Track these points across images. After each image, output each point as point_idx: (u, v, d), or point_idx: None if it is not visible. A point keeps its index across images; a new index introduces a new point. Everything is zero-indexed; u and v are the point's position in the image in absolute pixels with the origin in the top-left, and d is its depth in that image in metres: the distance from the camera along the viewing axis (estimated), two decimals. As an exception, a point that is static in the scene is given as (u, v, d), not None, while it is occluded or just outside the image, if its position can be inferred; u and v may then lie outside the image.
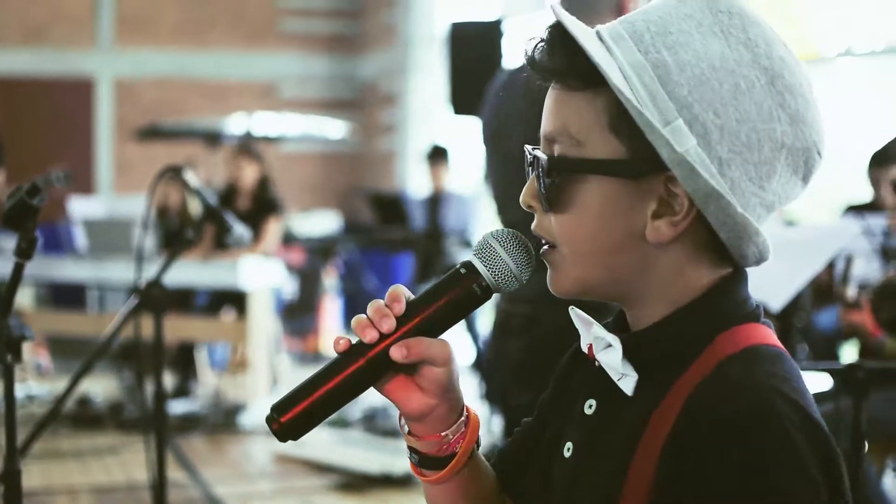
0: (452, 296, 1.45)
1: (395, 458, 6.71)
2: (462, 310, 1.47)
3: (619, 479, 1.36)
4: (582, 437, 1.48)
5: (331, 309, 11.46)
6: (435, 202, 9.28)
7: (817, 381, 4.72)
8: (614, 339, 1.41)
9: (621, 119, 1.33)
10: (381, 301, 1.44)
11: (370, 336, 1.42)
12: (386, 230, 9.04)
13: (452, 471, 1.51)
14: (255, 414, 8.31)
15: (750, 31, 1.37)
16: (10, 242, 11.03)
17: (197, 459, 7.20)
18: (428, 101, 14.56)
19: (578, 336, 1.51)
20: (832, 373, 3.58)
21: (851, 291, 5.57)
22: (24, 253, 2.82)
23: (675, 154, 1.30)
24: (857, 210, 7.41)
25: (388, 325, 1.42)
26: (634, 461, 1.34)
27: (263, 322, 8.60)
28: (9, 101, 14.76)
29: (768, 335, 1.39)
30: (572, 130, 1.39)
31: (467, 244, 8.12)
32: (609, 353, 1.41)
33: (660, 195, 1.35)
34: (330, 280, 11.17)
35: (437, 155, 9.46)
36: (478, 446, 1.55)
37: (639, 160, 1.34)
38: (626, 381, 1.40)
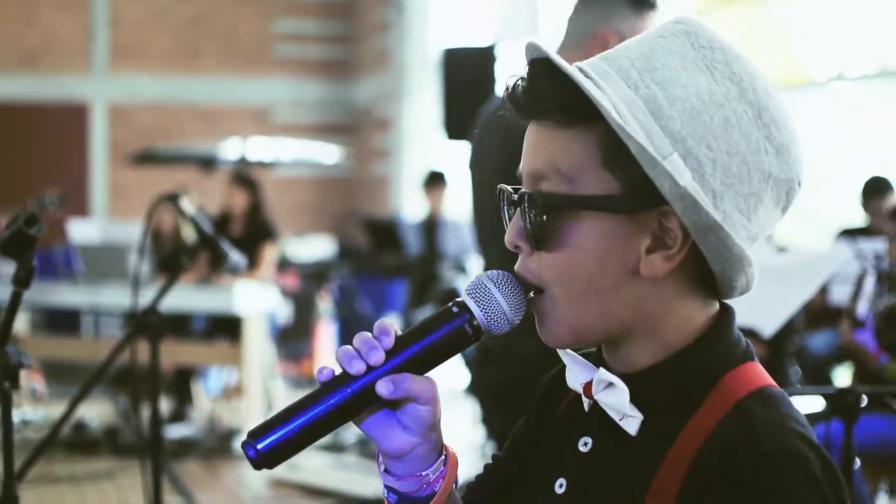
0: (443, 334, 1.41)
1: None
2: (451, 349, 1.42)
3: None
4: (578, 475, 1.46)
5: (325, 334, 11.46)
6: (430, 227, 9.31)
7: (808, 404, 4.74)
8: (618, 381, 1.39)
9: (615, 154, 1.33)
10: (369, 333, 1.40)
11: (356, 368, 1.37)
12: (380, 255, 9.07)
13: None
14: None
15: (733, 66, 1.38)
16: (6, 268, 11.05)
17: (192, 484, 7.19)
18: (422, 126, 14.60)
19: (555, 364, 1.51)
20: (825, 397, 3.60)
21: (862, 309, 5.58)
22: (22, 282, 2.83)
23: (677, 188, 1.30)
24: (850, 234, 7.45)
25: (377, 358, 1.37)
26: (647, 502, 1.34)
27: (259, 347, 8.61)
28: (3, 125, 14.79)
29: (766, 374, 1.40)
30: (562, 167, 1.37)
31: (462, 270, 8.14)
32: (611, 394, 1.39)
33: (653, 230, 1.35)
34: (324, 305, 11.18)
35: (434, 180, 9.49)
36: (455, 485, 1.51)
37: (633, 195, 1.34)
38: (630, 422, 1.38)
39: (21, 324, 10.58)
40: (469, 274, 7.88)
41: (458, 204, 10.67)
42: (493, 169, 3.38)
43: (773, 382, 1.40)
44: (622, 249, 1.36)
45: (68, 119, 15.70)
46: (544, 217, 1.37)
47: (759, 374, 1.39)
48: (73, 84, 15.77)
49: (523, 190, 1.41)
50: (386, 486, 1.48)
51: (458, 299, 1.43)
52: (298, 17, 16.66)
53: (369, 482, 6.84)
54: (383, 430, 1.41)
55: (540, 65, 1.38)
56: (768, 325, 4.17)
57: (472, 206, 3.68)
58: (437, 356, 1.42)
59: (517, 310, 1.42)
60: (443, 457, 1.46)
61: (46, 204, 8.80)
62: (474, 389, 3.67)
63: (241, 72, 16.47)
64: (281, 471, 7.39)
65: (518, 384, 3.15)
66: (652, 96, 1.34)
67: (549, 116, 1.39)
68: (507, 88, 1.42)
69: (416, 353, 1.40)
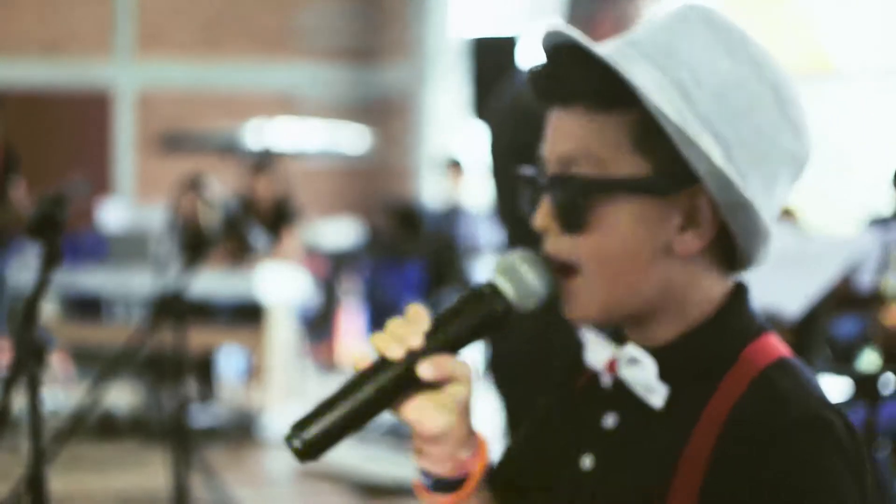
0: (474, 315, 1.43)
1: (416, 467, 6.73)
2: (483, 330, 1.44)
3: (661, 494, 1.37)
4: (605, 451, 1.48)
5: (347, 319, 11.49)
6: (453, 214, 9.31)
7: (836, 387, 4.75)
8: (645, 356, 1.42)
9: (648, 137, 1.37)
10: (404, 318, 1.41)
11: (396, 353, 1.38)
12: (404, 241, 9.09)
13: (468, 492, 1.47)
14: (275, 423, 8.34)
15: (750, 48, 1.41)
16: (30, 253, 11.10)
17: (217, 469, 7.23)
18: (444, 113, 14.59)
19: (554, 340, 1.53)
20: (851, 379, 3.62)
21: None
22: (49, 264, 2.85)
23: (712, 167, 1.34)
24: (881, 223, 7.42)
25: (416, 341, 1.38)
26: (678, 476, 1.36)
27: (283, 331, 8.63)
28: (28, 113, 14.82)
29: (784, 345, 1.44)
30: (594, 151, 1.40)
31: (480, 256, 8.14)
32: (637, 370, 1.43)
33: (685, 209, 1.39)
34: (348, 290, 11.20)
35: (453, 167, 9.49)
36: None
37: (666, 177, 1.38)
38: (656, 396, 1.42)
39: (47, 309, 10.63)
40: (487, 259, 7.88)
41: (478, 190, 10.69)
42: (509, 150, 3.40)
43: (791, 353, 1.43)
44: (654, 229, 1.40)
45: (92, 106, 15.74)
46: (577, 200, 1.40)
47: (777, 345, 1.43)
48: (96, 71, 15.81)
49: (554, 173, 1.43)
50: (422, 470, 1.49)
51: (488, 280, 1.45)
52: (322, 4, 16.66)
53: (395, 467, 6.86)
54: (422, 413, 1.40)
55: (566, 50, 1.40)
56: (792, 308, 4.19)
57: (494, 187, 3.71)
58: (469, 337, 1.44)
59: (545, 289, 1.44)
60: (475, 437, 1.47)
61: (72, 190, 8.85)
62: (491, 360, 3.68)
63: (265, 58, 16.47)
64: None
65: (515, 359, 3.18)
66: (679, 79, 1.37)
67: (580, 101, 1.40)
68: (532, 74, 1.44)
69: (451, 335, 1.42)
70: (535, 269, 1.43)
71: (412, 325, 1.40)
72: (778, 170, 1.41)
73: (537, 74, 1.44)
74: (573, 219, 1.41)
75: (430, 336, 1.40)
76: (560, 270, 1.44)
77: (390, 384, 1.38)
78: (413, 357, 1.38)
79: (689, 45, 1.39)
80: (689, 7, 1.43)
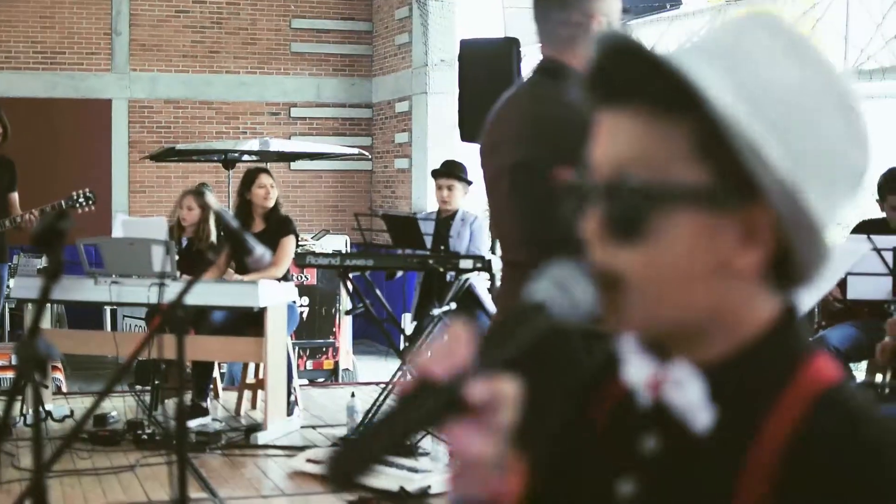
0: (523, 334, 1.33)
1: (411, 475, 6.76)
2: (531, 348, 1.35)
3: None
4: (646, 476, 1.40)
5: (344, 328, 11.51)
6: (448, 223, 9.32)
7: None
8: (695, 378, 1.35)
9: (710, 144, 1.28)
10: (449, 339, 1.32)
11: (443, 374, 1.29)
12: (400, 250, 9.09)
13: None
14: (272, 432, 8.36)
15: (816, 55, 1.34)
16: (28, 264, 11.12)
17: (213, 477, 7.25)
18: (442, 123, 14.63)
19: (561, 345, 1.46)
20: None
21: None
22: (51, 275, 2.87)
23: (777, 179, 1.26)
24: (868, 227, 7.44)
25: (462, 363, 1.30)
26: (737, 500, 1.28)
27: (280, 341, 8.65)
28: (25, 123, 14.86)
29: (834, 366, 1.36)
30: (653, 155, 1.31)
31: (481, 265, 8.15)
32: (681, 390, 1.35)
33: (745, 222, 1.30)
34: (343, 300, 11.21)
35: (452, 175, 9.49)
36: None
37: (728, 187, 1.29)
38: (702, 418, 1.34)
39: (44, 318, 10.65)
40: (483, 269, 7.89)
41: (476, 199, 10.68)
42: (512, 148, 3.41)
43: (842, 375, 1.36)
44: (712, 242, 1.30)
45: (90, 117, 15.77)
46: (634, 208, 1.31)
47: (831, 367, 1.35)
48: (93, 82, 15.85)
49: (607, 179, 1.34)
50: (453, 490, 1.39)
51: (535, 295, 1.36)
52: (318, 14, 16.70)
53: (390, 474, 6.87)
54: (468, 437, 1.31)
55: (624, 50, 1.32)
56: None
57: (490, 188, 3.70)
58: (517, 356, 1.35)
59: (593, 303, 1.35)
60: (510, 465, 1.39)
61: (76, 202, 8.89)
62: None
63: (260, 69, 16.52)
64: (302, 464, 7.45)
65: (521, 362, 3.20)
66: (744, 84, 1.29)
67: (638, 102, 1.32)
68: (587, 75, 1.36)
69: (499, 356, 1.33)
70: (583, 283, 1.34)
71: (458, 347, 1.31)
72: (837, 182, 1.33)
73: (592, 75, 1.37)
74: (628, 228, 1.31)
75: (478, 357, 1.31)
76: (606, 282, 1.34)
77: (436, 409, 1.30)
78: (460, 380, 1.29)
79: (754, 49, 1.32)
80: (754, 14, 1.36)
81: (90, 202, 8.95)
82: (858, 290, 7.04)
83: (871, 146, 1.35)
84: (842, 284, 7.06)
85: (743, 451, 1.29)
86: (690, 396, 1.34)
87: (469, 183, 9.42)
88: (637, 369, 1.41)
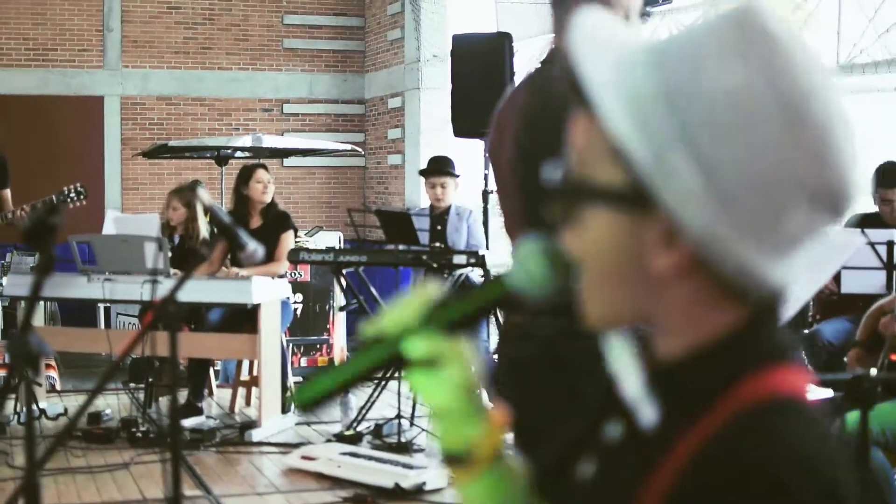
0: (474, 301, 1.51)
1: (406, 472, 6.75)
2: (480, 314, 1.53)
3: None
4: (601, 462, 1.45)
5: (338, 325, 11.49)
6: (442, 218, 9.32)
7: (821, 392, 4.76)
8: (636, 370, 1.38)
9: (619, 151, 1.27)
10: (402, 300, 1.51)
11: (392, 327, 1.49)
12: (394, 246, 9.08)
13: (478, 466, 1.55)
14: (266, 429, 8.35)
15: (774, 59, 1.26)
16: (21, 261, 11.09)
17: (207, 474, 7.24)
18: (435, 118, 14.63)
19: (575, 346, 1.51)
20: (839, 384, 3.62)
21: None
22: (43, 271, 2.85)
23: (673, 190, 1.24)
24: (861, 221, 7.43)
25: (412, 321, 1.49)
26: (641, 502, 1.28)
27: (274, 338, 8.64)
28: (17, 120, 14.85)
29: (793, 380, 1.30)
30: (583, 152, 1.35)
31: (475, 260, 8.14)
32: (628, 383, 1.39)
33: (662, 228, 1.27)
34: (337, 296, 11.20)
35: (442, 173, 9.47)
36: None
37: (639, 192, 1.26)
38: (645, 414, 1.35)
39: (36, 315, 10.63)
40: (477, 264, 7.89)
41: (469, 194, 10.68)
42: (514, 145, 3.41)
43: (801, 388, 1.30)
44: (629, 243, 1.30)
45: (82, 114, 15.76)
46: (567, 198, 1.37)
47: (786, 380, 1.29)
48: (85, 79, 15.83)
49: (557, 167, 1.41)
50: (439, 445, 1.57)
51: (498, 269, 1.49)
52: (310, 10, 16.69)
53: (384, 471, 6.87)
54: (420, 388, 1.50)
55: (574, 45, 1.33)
56: (787, 311, 4.19)
57: (498, 174, 3.70)
58: (466, 320, 1.51)
59: (547, 277, 1.48)
60: (486, 419, 1.54)
61: (67, 197, 8.86)
62: (499, 364, 3.70)
63: (253, 65, 16.51)
64: (296, 461, 7.44)
65: (534, 363, 3.19)
66: (676, 85, 1.26)
67: (578, 100, 1.34)
68: (567, 75, 1.37)
69: (448, 318, 1.49)
70: (539, 260, 1.47)
71: (412, 306, 1.49)
72: (790, 198, 1.25)
73: (568, 76, 1.37)
74: (566, 216, 1.37)
75: (428, 317, 1.48)
76: (570, 262, 1.41)
77: (382, 361, 1.50)
78: (406, 335, 1.48)
79: (707, 49, 1.27)
80: (740, 8, 1.30)
81: (81, 197, 8.91)
82: (852, 283, 7.05)
83: (842, 160, 1.26)
84: (836, 278, 7.07)
85: (663, 453, 1.28)
86: (633, 387, 1.37)
87: (458, 177, 9.42)
88: (613, 360, 1.43)
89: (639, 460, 1.33)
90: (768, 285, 1.27)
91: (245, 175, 9.28)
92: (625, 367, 1.41)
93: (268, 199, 9.20)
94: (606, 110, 1.26)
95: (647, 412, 1.34)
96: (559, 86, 1.46)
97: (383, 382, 8.42)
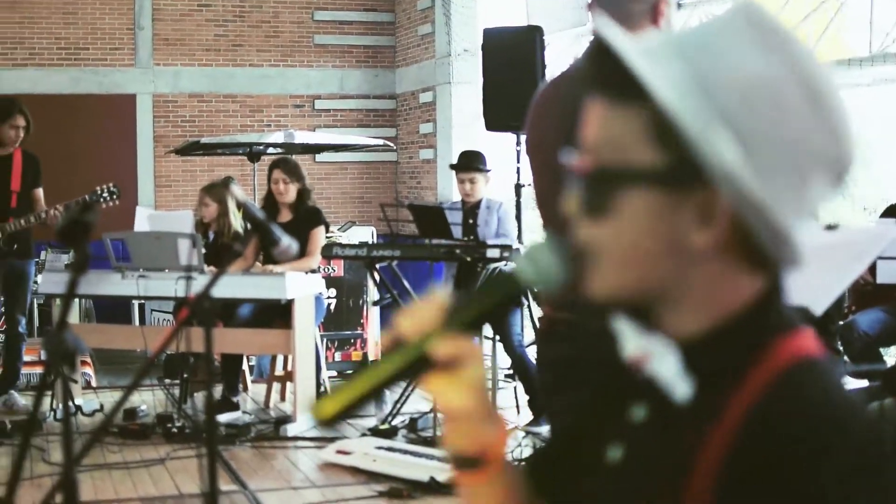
0: (491, 298, 1.51)
1: (441, 465, 6.75)
2: (498, 311, 1.52)
3: (677, 492, 1.36)
4: (630, 445, 1.49)
5: (372, 319, 11.51)
6: (474, 211, 9.31)
7: (856, 382, 4.74)
8: (670, 349, 1.42)
9: (665, 130, 1.35)
10: (422, 303, 1.50)
11: (411, 332, 1.47)
12: (427, 240, 9.09)
13: (491, 471, 1.55)
14: (301, 424, 8.37)
15: (789, 48, 1.39)
16: (56, 259, 11.16)
17: (243, 469, 7.26)
18: (466, 112, 14.62)
19: (613, 337, 1.52)
20: (877, 374, 3.61)
21: None
22: (78, 269, 2.86)
23: (721, 164, 1.32)
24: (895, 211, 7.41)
25: (432, 323, 1.47)
26: (694, 474, 1.34)
27: (308, 333, 8.65)
28: (49, 120, 14.92)
29: (814, 344, 1.41)
30: (614, 140, 1.40)
31: (507, 254, 8.14)
32: (661, 363, 1.43)
33: (699, 204, 1.36)
34: (370, 291, 11.21)
35: (472, 168, 9.46)
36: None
37: (680, 170, 1.35)
38: (679, 390, 1.41)
39: (71, 313, 10.68)
40: (510, 257, 7.89)
41: (501, 188, 10.66)
42: (555, 139, 3.41)
43: (820, 351, 1.40)
44: (668, 222, 1.38)
45: (114, 112, 15.82)
46: (596, 187, 1.41)
47: (808, 343, 1.40)
48: (117, 77, 15.89)
49: (575, 162, 1.45)
50: (449, 450, 1.56)
51: (504, 265, 1.49)
52: (340, 6, 16.71)
53: (419, 465, 6.88)
54: (439, 390, 1.49)
55: (602, 41, 1.41)
56: (818, 304, 4.15)
57: (539, 171, 3.71)
58: (484, 318, 1.51)
59: (559, 273, 1.48)
60: (496, 423, 1.54)
61: (100, 197, 8.89)
62: (538, 363, 3.73)
63: (283, 62, 16.53)
64: (332, 456, 7.45)
65: (580, 362, 3.18)
66: (705, 72, 1.36)
67: (606, 92, 1.42)
68: (573, 63, 1.45)
69: (466, 317, 1.49)
70: (553, 254, 1.47)
71: (430, 308, 1.48)
72: (808, 170, 1.38)
73: (584, 68, 1.48)
74: (591, 206, 1.42)
75: (447, 318, 1.47)
76: (582, 256, 1.45)
77: (406, 364, 1.48)
78: (428, 338, 1.46)
79: (725, 40, 1.38)
80: (741, 4, 1.43)
81: (114, 196, 8.94)
82: (888, 274, 7.02)
83: (848, 134, 1.40)
84: (871, 269, 7.04)
85: (708, 424, 1.35)
86: (668, 367, 1.42)
87: (488, 171, 9.41)
88: (629, 344, 1.48)
89: (676, 436, 1.40)
90: (795, 252, 1.38)
91: (268, 173, 9.33)
92: (651, 347, 1.45)
93: (286, 198, 9.19)
94: (660, 91, 1.33)
95: (682, 388, 1.41)
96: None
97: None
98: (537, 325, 7.31)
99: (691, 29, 1.43)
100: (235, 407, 8.99)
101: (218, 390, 8.85)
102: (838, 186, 1.43)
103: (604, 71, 1.41)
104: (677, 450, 1.38)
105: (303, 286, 8.55)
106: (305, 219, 9.12)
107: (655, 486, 1.40)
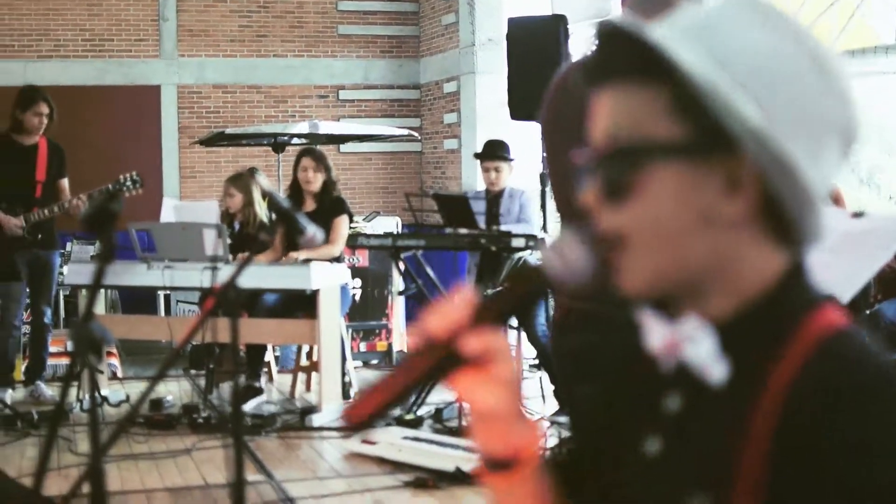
0: (517, 294, 1.48)
1: (466, 455, 6.75)
2: (524, 306, 1.50)
3: (728, 474, 1.35)
4: (668, 436, 1.47)
5: (397, 309, 11.51)
6: (497, 200, 9.30)
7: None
8: (705, 332, 1.41)
9: (686, 103, 1.37)
10: (450, 300, 1.46)
11: (440, 331, 1.43)
12: (451, 230, 9.08)
13: (522, 472, 1.52)
14: (326, 414, 8.38)
15: (791, 25, 1.42)
16: (82, 251, 11.19)
17: (269, 459, 7.27)
18: (490, 102, 14.60)
19: (634, 331, 1.51)
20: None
21: None
22: (104, 258, 2.86)
23: (749, 127, 1.34)
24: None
25: (461, 320, 1.43)
26: (746, 448, 1.34)
27: (334, 323, 8.65)
28: (75, 111, 14.96)
29: (844, 316, 1.41)
30: (634, 120, 1.41)
31: (532, 243, 8.13)
32: (695, 345, 1.42)
33: (726, 173, 1.37)
34: (395, 281, 11.21)
35: (496, 157, 9.46)
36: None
37: (705, 140, 1.37)
38: (716, 371, 1.40)
39: (97, 303, 10.71)
40: (534, 246, 7.88)
41: (524, 177, 10.64)
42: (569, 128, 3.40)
43: (848, 321, 1.41)
44: (697, 193, 1.38)
45: (139, 103, 15.86)
46: (619, 167, 1.41)
47: (838, 315, 1.41)
48: (142, 68, 15.93)
49: (598, 149, 1.45)
50: (479, 451, 1.53)
51: (529, 260, 1.47)
52: (364, -4, 16.72)
53: (446, 455, 6.87)
54: (471, 388, 1.46)
55: (610, 33, 1.42)
56: (845, 292, 4.12)
57: (554, 159, 3.70)
58: (511, 312, 1.48)
59: (586, 265, 1.44)
60: (527, 422, 1.51)
61: (123, 186, 8.90)
62: (553, 353, 3.72)
63: (307, 52, 16.54)
64: (357, 446, 7.45)
65: (595, 351, 3.17)
66: (716, 49, 1.38)
67: (618, 78, 1.43)
68: (580, 60, 1.45)
69: (494, 314, 1.46)
70: (577, 247, 1.43)
71: (458, 305, 1.44)
72: (823, 137, 1.40)
73: (584, 61, 1.47)
74: (617, 188, 1.41)
75: (475, 314, 1.44)
76: (609, 246, 1.43)
77: (437, 362, 1.44)
78: (457, 335, 1.42)
79: (728, 21, 1.41)
80: None
81: (137, 185, 8.94)
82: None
83: (855, 104, 1.43)
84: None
85: (752, 401, 1.35)
86: (703, 350, 1.41)
87: (512, 160, 9.40)
88: (656, 334, 1.47)
89: (717, 420, 1.39)
90: (817, 219, 1.41)
91: (295, 161, 9.34)
92: (682, 332, 1.44)
93: (312, 187, 9.21)
94: (687, 62, 1.35)
95: (718, 371, 1.41)
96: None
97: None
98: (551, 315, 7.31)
99: (689, 15, 1.45)
100: (259, 392, 9.00)
101: (242, 379, 8.86)
102: (846, 157, 1.45)
103: (620, 56, 1.41)
104: (721, 433, 1.38)
105: (328, 276, 8.56)
106: (329, 208, 9.13)
107: (704, 473, 1.39)
